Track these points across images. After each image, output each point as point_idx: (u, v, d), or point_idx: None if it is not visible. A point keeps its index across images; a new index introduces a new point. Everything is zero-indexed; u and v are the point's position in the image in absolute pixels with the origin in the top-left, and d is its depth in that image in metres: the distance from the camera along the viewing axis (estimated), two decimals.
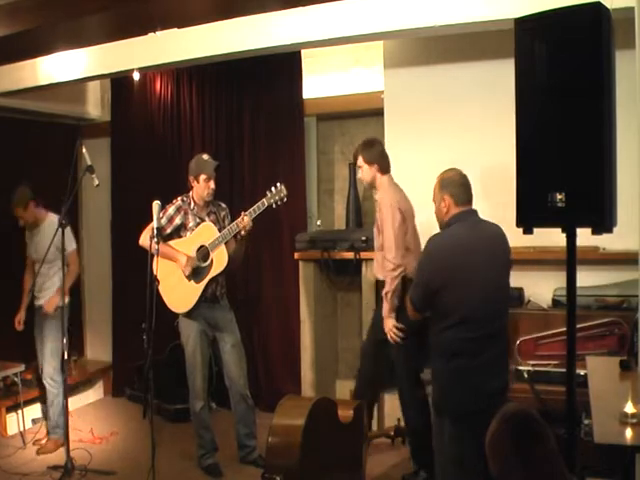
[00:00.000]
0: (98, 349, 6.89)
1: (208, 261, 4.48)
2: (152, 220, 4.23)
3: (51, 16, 4.38)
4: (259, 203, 4.39)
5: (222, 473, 4.62)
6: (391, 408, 5.31)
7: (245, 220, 4.37)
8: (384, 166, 4.43)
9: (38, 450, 5.08)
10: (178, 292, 4.52)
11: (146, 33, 4.93)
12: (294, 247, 5.52)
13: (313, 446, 3.48)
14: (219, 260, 4.47)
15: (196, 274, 4.49)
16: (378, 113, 5.39)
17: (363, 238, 5.23)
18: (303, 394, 5.53)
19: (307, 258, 5.46)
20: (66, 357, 4.68)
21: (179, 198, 4.60)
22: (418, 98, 5.22)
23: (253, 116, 5.90)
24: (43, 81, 5.57)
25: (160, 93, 6.36)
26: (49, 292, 5.07)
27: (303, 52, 5.51)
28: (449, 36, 4.53)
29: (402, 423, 4.53)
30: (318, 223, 5.73)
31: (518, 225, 2.58)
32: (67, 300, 5.06)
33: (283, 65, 5.59)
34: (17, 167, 6.08)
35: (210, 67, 5.54)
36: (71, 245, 5.14)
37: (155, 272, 4.06)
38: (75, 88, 6.42)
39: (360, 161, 4.43)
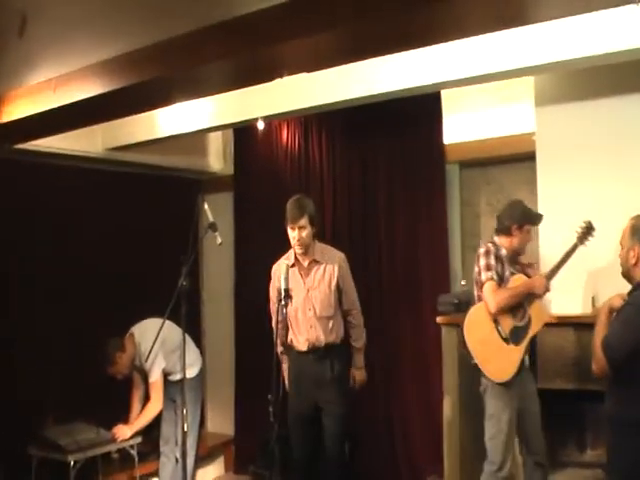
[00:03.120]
0: (219, 421, 6.68)
1: (526, 318, 4.06)
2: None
3: (169, 67, 4.18)
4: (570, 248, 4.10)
5: None
6: None
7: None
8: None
9: None
10: (498, 357, 4.09)
11: (271, 79, 4.66)
12: (436, 310, 5.01)
13: None
14: (538, 316, 4.08)
15: (513, 335, 4.06)
16: (529, 157, 4.87)
17: None
18: (446, 477, 4.97)
19: (451, 322, 4.90)
20: (186, 429, 4.29)
21: (489, 245, 4.20)
22: (575, 138, 4.67)
23: (388, 164, 5.57)
24: (161, 134, 5.41)
25: (287, 143, 6.15)
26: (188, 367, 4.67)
27: (443, 92, 5.11)
28: (609, 66, 3.99)
29: None
30: (463, 283, 5.20)
31: None
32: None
33: (421, 108, 5.18)
34: (135, 223, 5.98)
35: (340, 113, 5.18)
36: (155, 371, 4.84)
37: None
38: (195, 140, 6.31)
39: (304, 221, 4.35)
